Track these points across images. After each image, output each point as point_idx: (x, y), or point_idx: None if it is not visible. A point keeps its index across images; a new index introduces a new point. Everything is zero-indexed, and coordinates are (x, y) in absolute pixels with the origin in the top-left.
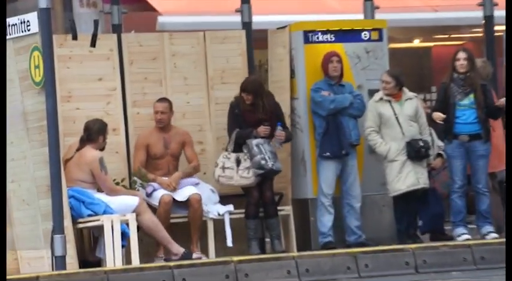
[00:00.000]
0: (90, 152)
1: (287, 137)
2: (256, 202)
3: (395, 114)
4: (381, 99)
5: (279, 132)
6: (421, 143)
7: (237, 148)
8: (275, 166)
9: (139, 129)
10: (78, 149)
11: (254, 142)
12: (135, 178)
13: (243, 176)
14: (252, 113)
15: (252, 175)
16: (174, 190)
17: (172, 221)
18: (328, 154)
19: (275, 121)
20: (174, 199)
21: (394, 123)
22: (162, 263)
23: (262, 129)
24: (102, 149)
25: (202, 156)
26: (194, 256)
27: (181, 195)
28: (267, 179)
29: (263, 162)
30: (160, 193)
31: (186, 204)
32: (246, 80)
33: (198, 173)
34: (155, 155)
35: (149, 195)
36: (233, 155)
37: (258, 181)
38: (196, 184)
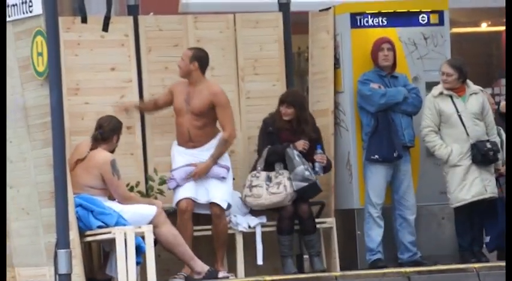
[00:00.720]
0: (101, 154)
1: (328, 164)
2: (291, 215)
3: (457, 111)
4: (441, 93)
5: (321, 155)
6: (489, 145)
7: (268, 168)
8: (318, 181)
9: (158, 128)
10: (91, 149)
11: (295, 151)
12: (151, 183)
13: (273, 192)
14: (290, 133)
15: (284, 190)
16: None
17: (196, 234)
18: (377, 156)
19: (313, 146)
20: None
21: (457, 122)
22: None
23: (302, 143)
24: (112, 151)
25: (231, 158)
26: (220, 275)
27: (203, 195)
28: (305, 197)
29: (307, 173)
30: (180, 193)
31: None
32: (287, 91)
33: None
34: (175, 109)
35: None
36: (263, 174)
37: (293, 198)
38: (223, 178)
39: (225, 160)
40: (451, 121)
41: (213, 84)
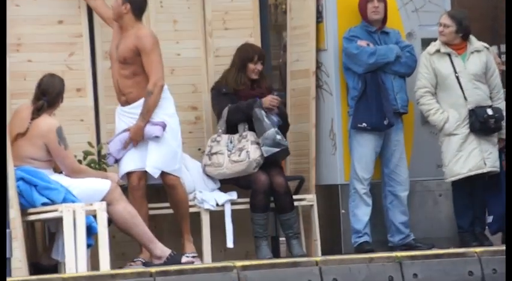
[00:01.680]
0: (46, 121)
1: (283, 115)
2: (266, 188)
3: (455, 72)
4: (438, 51)
5: (271, 98)
6: (490, 112)
7: (232, 130)
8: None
9: (111, 90)
10: (33, 118)
11: (263, 111)
12: (91, 157)
13: (235, 160)
14: (251, 88)
15: (246, 157)
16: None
17: (152, 212)
18: (365, 124)
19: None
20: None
21: (454, 84)
22: (141, 268)
23: (270, 98)
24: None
25: (197, 126)
26: (184, 259)
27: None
28: (275, 163)
29: (279, 137)
30: (124, 166)
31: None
32: (255, 46)
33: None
34: (109, 56)
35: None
36: (224, 137)
37: (259, 164)
38: (156, 138)
39: (161, 114)
40: (448, 83)
41: (142, 27)
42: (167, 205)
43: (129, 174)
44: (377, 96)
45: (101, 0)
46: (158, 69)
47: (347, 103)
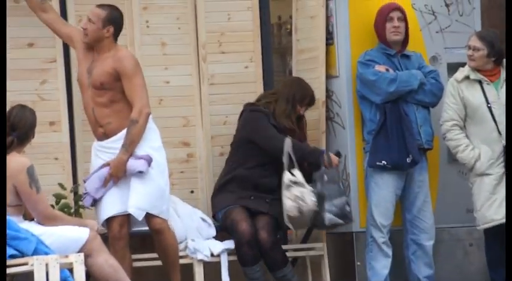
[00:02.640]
0: (15, 159)
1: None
2: (249, 238)
3: (487, 102)
4: (467, 78)
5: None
6: None
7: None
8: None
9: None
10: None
11: (340, 172)
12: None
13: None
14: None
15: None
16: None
17: (136, 264)
18: (384, 162)
19: None
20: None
21: (486, 116)
22: None
23: (336, 161)
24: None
25: (189, 165)
26: None
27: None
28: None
29: (348, 208)
30: (103, 210)
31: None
32: (309, 88)
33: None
34: (78, 83)
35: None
36: (298, 174)
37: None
38: (140, 173)
39: (145, 147)
40: (479, 115)
41: (120, 48)
42: (154, 255)
43: (109, 220)
44: (398, 130)
45: (54, 14)
46: (143, 95)
47: (362, 138)
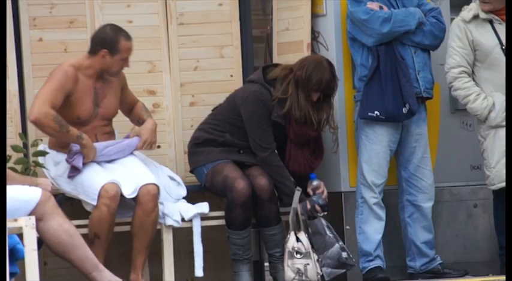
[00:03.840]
0: None
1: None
2: (246, 199)
3: (501, 44)
4: (476, 17)
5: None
6: None
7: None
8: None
9: (41, 71)
10: None
11: (323, 220)
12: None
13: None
14: (302, 124)
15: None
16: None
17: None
18: (377, 113)
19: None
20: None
21: (500, 60)
22: None
23: (318, 208)
24: None
25: (154, 116)
26: None
27: (128, 182)
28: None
29: (345, 255)
30: (97, 175)
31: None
32: (324, 73)
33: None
34: (80, 121)
35: (72, 174)
36: (304, 239)
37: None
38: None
39: None
40: (491, 59)
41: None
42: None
43: (105, 186)
44: (393, 76)
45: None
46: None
47: (352, 85)
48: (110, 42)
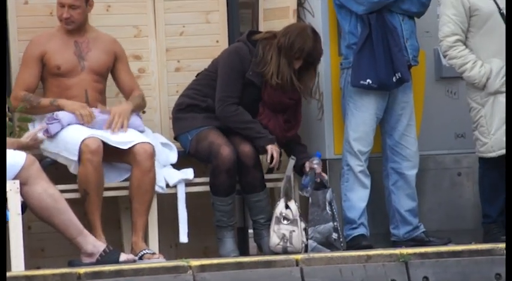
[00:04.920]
0: None
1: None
2: (231, 165)
3: (499, 8)
4: None
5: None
6: None
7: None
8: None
9: (26, 34)
10: None
11: (329, 194)
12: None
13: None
14: (279, 91)
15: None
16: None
17: (71, 196)
18: (369, 81)
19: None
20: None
21: (499, 25)
22: (66, 269)
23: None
24: None
25: (140, 81)
26: (123, 257)
27: (120, 138)
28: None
29: (335, 236)
30: (78, 131)
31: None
32: (306, 41)
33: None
34: (62, 70)
35: (52, 136)
36: (294, 207)
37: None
38: (141, 132)
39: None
40: (490, 24)
41: (97, 29)
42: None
43: (87, 140)
44: (385, 44)
45: (31, 92)
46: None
47: (339, 53)
48: None
